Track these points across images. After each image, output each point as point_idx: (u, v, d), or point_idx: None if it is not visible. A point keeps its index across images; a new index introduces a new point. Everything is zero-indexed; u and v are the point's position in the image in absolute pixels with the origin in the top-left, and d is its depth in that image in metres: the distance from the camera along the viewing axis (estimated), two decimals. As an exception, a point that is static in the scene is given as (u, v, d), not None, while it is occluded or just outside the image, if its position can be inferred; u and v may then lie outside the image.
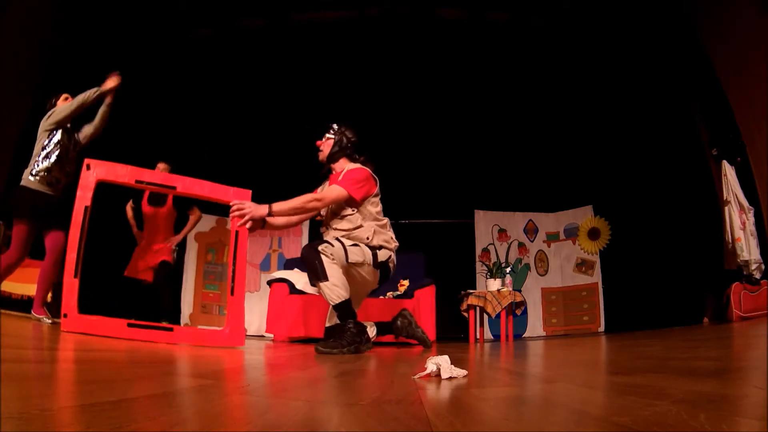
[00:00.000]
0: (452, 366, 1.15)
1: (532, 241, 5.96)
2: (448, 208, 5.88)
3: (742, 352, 1.85)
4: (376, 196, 2.67)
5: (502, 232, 5.95)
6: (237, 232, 2.47)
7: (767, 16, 3.93)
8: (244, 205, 2.45)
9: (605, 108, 5.51)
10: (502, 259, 5.70)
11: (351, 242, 2.52)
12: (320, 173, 2.84)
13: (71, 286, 2.26)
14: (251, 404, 0.78)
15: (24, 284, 4.22)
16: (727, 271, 4.44)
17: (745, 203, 4.45)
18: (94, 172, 2.49)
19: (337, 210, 2.64)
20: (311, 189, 2.76)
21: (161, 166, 3.99)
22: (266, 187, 3.10)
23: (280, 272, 4.57)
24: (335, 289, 2.38)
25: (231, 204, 2.47)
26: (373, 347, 2.59)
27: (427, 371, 1.14)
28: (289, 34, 5.54)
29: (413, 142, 5.87)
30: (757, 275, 4.26)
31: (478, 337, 4.38)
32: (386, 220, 2.72)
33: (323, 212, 2.75)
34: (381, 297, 4.18)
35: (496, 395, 0.92)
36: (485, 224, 5.94)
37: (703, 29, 4.68)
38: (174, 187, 2.57)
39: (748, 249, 4.31)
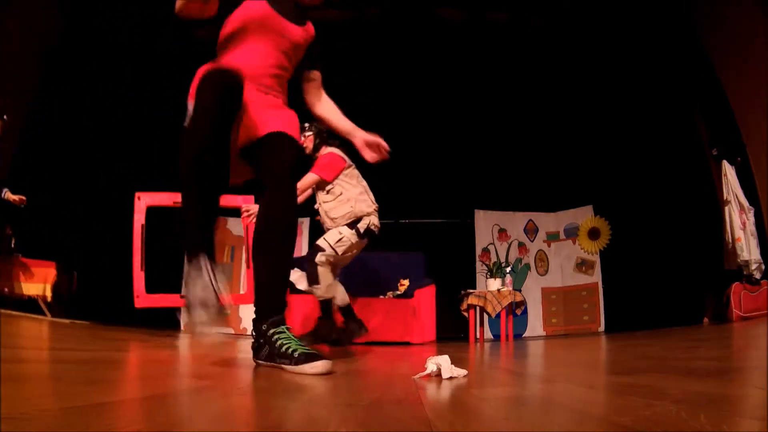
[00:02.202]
0: (452, 366, 1.15)
1: (532, 241, 5.95)
2: (448, 208, 5.87)
3: (742, 352, 1.85)
4: (347, 168, 3.24)
5: (502, 231, 5.95)
6: (247, 226, 3.32)
7: (767, 16, 3.93)
8: (250, 207, 3.18)
9: (605, 108, 5.50)
10: (502, 259, 5.70)
11: (336, 231, 3.14)
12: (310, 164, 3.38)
13: (139, 276, 3.21)
14: (251, 404, 0.78)
15: (24, 284, 4.22)
16: (727, 271, 4.44)
17: (745, 203, 4.45)
18: (143, 201, 3.32)
19: (323, 196, 3.25)
20: None
21: None
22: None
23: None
24: (330, 288, 3.10)
25: (241, 207, 3.20)
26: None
27: (427, 371, 1.14)
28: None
29: (413, 142, 5.86)
30: (757, 275, 4.26)
31: (478, 337, 4.37)
32: (362, 188, 3.28)
33: (320, 212, 3.34)
34: (381, 297, 4.18)
35: (496, 395, 0.93)
36: (485, 224, 5.93)
37: (703, 29, 4.67)
38: None
39: (748, 249, 4.31)
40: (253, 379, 1.24)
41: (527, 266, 5.88)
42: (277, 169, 1.39)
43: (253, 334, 1.37)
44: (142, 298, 3.21)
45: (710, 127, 4.94)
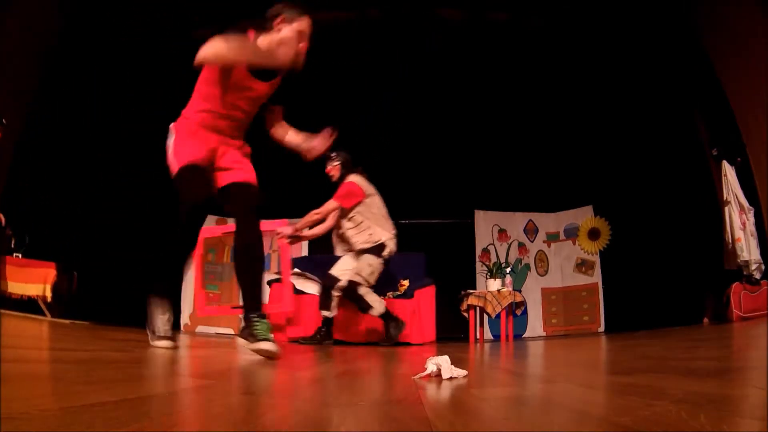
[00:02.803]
0: (452, 366, 1.15)
1: (532, 241, 5.95)
2: (448, 208, 5.87)
3: (742, 352, 1.85)
4: (368, 197, 3.61)
5: (502, 232, 5.95)
6: (279, 246, 3.85)
7: (767, 16, 3.93)
8: (282, 229, 3.53)
9: (605, 108, 5.50)
10: (502, 260, 5.70)
11: (366, 264, 3.53)
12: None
13: (200, 293, 3.99)
14: (251, 404, 0.78)
15: (24, 284, 4.22)
16: (727, 271, 4.43)
17: (745, 203, 4.45)
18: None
19: (345, 223, 3.63)
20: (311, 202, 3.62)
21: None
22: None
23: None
24: (380, 304, 3.53)
25: (276, 230, 3.57)
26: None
27: (427, 371, 1.14)
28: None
29: (413, 142, 5.86)
30: (757, 275, 4.26)
31: (478, 337, 4.37)
32: (381, 216, 3.66)
33: (340, 237, 3.74)
34: (381, 297, 4.17)
35: (496, 395, 0.93)
36: (485, 224, 5.93)
37: (703, 29, 4.67)
38: None
39: (748, 249, 4.31)
40: (253, 379, 1.24)
41: (527, 266, 5.88)
42: (243, 208, 1.91)
43: (243, 322, 1.84)
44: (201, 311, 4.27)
45: (710, 127, 4.94)
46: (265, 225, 3.26)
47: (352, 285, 3.48)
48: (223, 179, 1.96)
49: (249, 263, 1.89)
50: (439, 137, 5.91)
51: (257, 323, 1.75)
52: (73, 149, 5.01)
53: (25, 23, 4.32)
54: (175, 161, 1.90)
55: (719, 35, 4.49)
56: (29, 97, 4.63)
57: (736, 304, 4.11)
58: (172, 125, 2.02)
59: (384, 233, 3.60)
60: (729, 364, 1.44)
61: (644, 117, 5.34)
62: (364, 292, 3.47)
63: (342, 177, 3.68)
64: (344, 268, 3.62)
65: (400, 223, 5.65)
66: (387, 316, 3.54)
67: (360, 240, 3.57)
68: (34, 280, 4.22)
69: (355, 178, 3.65)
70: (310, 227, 3.70)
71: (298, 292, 4.18)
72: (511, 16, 5.43)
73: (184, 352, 1.98)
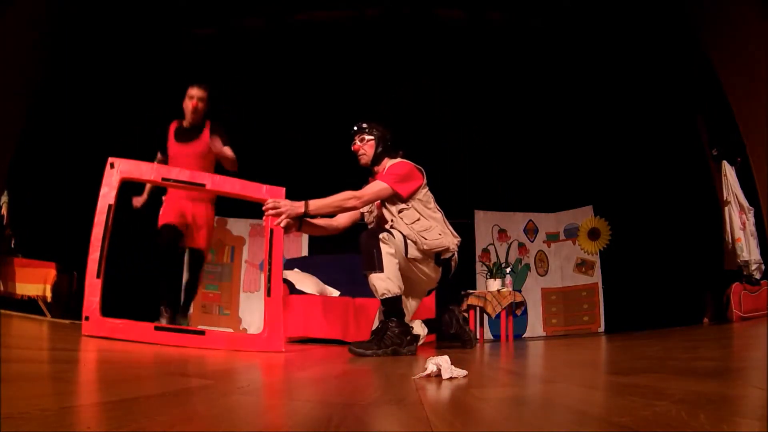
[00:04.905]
0: (452, 366, 1.15)
1: (532, 241, 5.96)
2: (448, 208, 5.86)
3: (742, 352, 1.85)
4: (424, 188, 2.57)
5: (502, 232, 5.95)
6: (272, 230, 2.29)
7: (767, 16, 3.93)
8: (279, 203, 2.28)
9: (605, 108, 5.50)
10: (502, 260, 5.70)
11: (413, 237, 2.40)
12: (369, 178, 2.65)
13: (94, 287, 2.14)
14: (251, 404, 0.78)
15: (24, 284, 4.22)
16: (727, 271, 4.43)
17: (745, 203, 4.45)
18: (118, 170, 2.35)
19: (384, 213, 2.51)
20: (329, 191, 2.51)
21: (194, 92, 3.14)
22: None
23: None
24: (388, 282, 2.23)
25: (265, 202, 2.31)
26: (416, 350, 2.34)
27: (427, 371, 1.14)
28: (288, 34, 5.53)
29: (413, 142, 5.85)
30: (757, 275, 4.26)
31: (478, 337, 4.38)
32: (440, 214, 2.62)
33: (369, 218, 2.64)
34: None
35: (496, 395, 0.93)
36: (485, 224, 5.93)
37: (703, 30, 4.67)
38: (203, 185, 2.43)
39: (748, 249, 4.31)
40: (253, 379, 1.24)
41: (527, 267, 5.89)
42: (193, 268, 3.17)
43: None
44: (93, 323, 2.14)
45: (710, 127, 4.94)
46: (249, 189, 2.35)
47: (377, 232, 2.31)
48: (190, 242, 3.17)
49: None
50: (439, 137, 5.91)
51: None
52: (72, 149, 5.01)
53: (26, 23, 4.32)
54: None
55: (719, 35, 4.49)
56: (29, 97, 4.63)
57: (736, 304, 4.11)
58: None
59: (452, 238, 2.56)
60: (729, 364, 1.44)
61: (644, 117, 5.34)
62: (387, 246, 2.27)
63: (376, 160, 2.59)
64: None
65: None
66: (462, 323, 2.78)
67: (428, 238, 2.45)
68: (34, 280, 4.22)
69: (404, 161, 2.59)
70: (331, 216, 2.55)
71: (298, 292, 4.18)
72: (511, 16, 5.43)
73: (184, 352, 1.98)
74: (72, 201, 5.03)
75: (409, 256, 2.36)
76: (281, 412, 0.73)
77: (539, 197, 5.94)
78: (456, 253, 2.56)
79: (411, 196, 2.49)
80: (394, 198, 2.47)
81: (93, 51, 5.05)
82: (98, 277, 2.13)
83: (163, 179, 2.44)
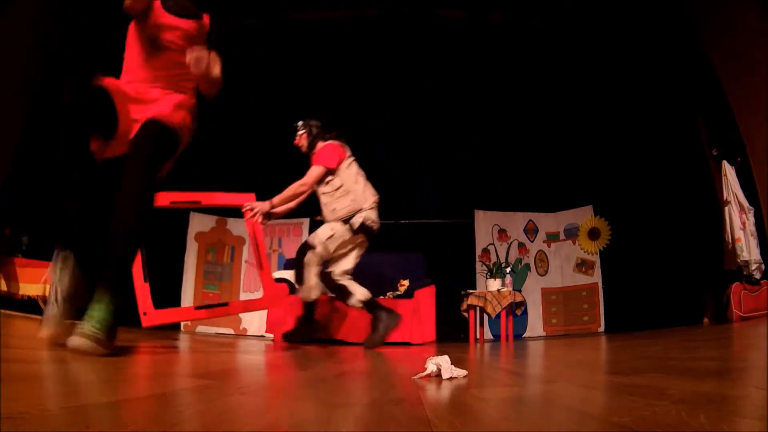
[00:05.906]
0: (452, 366, 1.15)
1: (532, 241, 5.95)
2: (448, 208, 5.88)
3: (742, 352, 1.85)
4: (348, 158, 3.23)
5: (502, 232, 5.94)
6: (253, 226, 3.11)
7: (767, 17, 3.93)
8: (253, 204, 3.06)
9: (605, 108, 5.50)
10: (502, 259, 5.70)
11: (328, 227, 3.12)
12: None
13: (143, 289, 2.73)
14: (251, 404, 0.78)
15: (24, 284, 4.22)
16: (727, 271, 4.43)
17: (745, 203, 4.45)
18: None
19: (322, 188, 3.18)
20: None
21: None
22: (262, 186, 3.43)
23: (279, 272, 4.56)
24: (312, 291, 3.13)
25: (243, 206, 3.08)
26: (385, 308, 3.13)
27: (427, 371, 1.14)
28: (288, 33, 5.53)
29: (413, 142, 5.86)
30: (757, 275, 4.26)
31: (478, 337, 4.37)
32: (362, 180, 3.22)
33: (322, 209, 3.25)
34: (381, 297, 4.17)
35: (496, 395, 0.93)
36: (485, 224, 5.93)
37: (703, 29, 4.67)
38: (198, 202, 3.19)
39: (748, 249, 4.31)
40: (253, 379, 1.24)
41: (527, 266, 5.88)
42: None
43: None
44: (150, 316, 2.80)
45: (710, 127, 4.94)
46: (228, 199, 3.25)
47: (305, 245, 3.11)
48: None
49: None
50: (438, 137, 5.91)
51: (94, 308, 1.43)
52: (72, 149, 5.01)
53: (26, 23, 4.32)
54: None
55: (719, 35, 4.49)
56: (29, 97, 4.63)
57: (736, 304, 4.11)
58: None
59: (364, 201, 3.15)
60: (729, 364, 1.44)
61: (644, 117, 5.34)
62: (310, 260, 3.05)
63: (311, 146, 3.29)
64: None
65: (400, 224, 5.70)
66: (372, 306, 3.10)
67: (339, 206, 3.13)
68: (34, 280, 4.22)
69: (330, 141, 3.27)
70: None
71: (291, 288, 4.18)
72: (511, 16, 5.43)
73: (184, 352, 1.98)
74: (72, 201, 5.04)
75: (331, 250, 3.10)
76: (281, 412, 0.73)
77: (539, 197, 5.94)
78: (374, 212, 3.17)
79: (339, 166, 3.17)
80: (328, 172, 3.17)
81: (93, 51, 5.04)
82: (145, 281, 2.75)
83: (172, 202, 2.97)
